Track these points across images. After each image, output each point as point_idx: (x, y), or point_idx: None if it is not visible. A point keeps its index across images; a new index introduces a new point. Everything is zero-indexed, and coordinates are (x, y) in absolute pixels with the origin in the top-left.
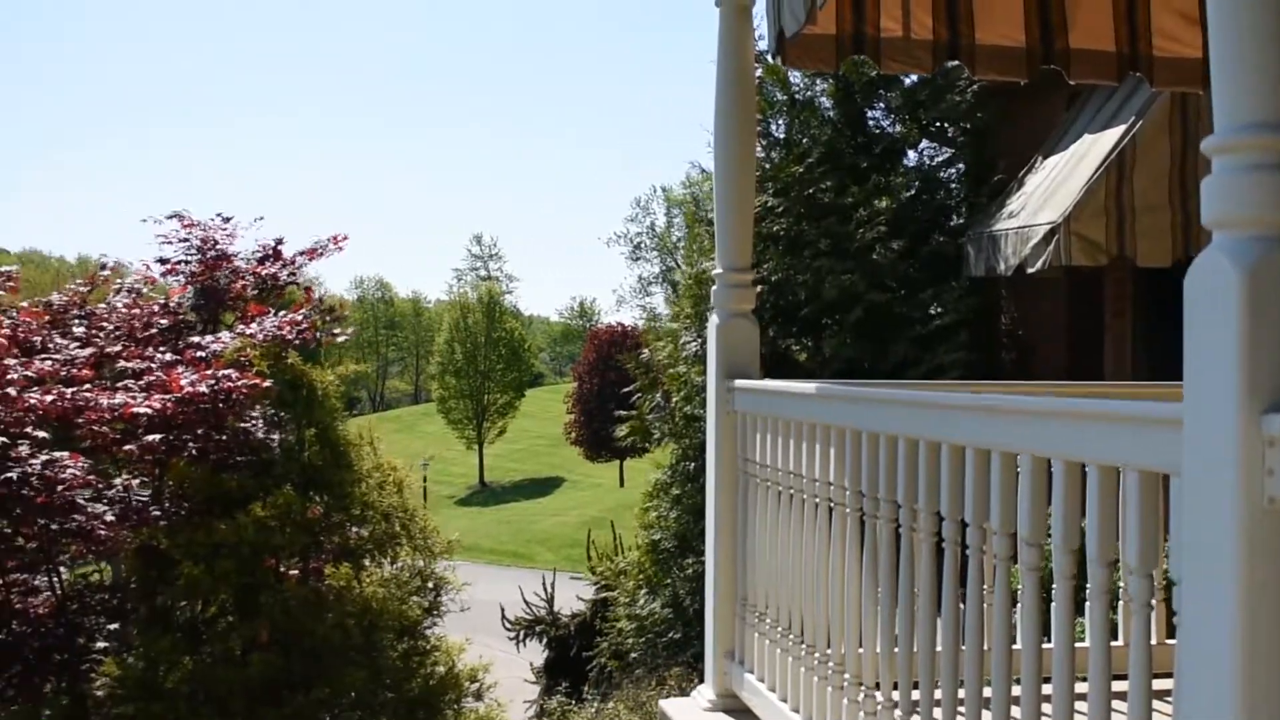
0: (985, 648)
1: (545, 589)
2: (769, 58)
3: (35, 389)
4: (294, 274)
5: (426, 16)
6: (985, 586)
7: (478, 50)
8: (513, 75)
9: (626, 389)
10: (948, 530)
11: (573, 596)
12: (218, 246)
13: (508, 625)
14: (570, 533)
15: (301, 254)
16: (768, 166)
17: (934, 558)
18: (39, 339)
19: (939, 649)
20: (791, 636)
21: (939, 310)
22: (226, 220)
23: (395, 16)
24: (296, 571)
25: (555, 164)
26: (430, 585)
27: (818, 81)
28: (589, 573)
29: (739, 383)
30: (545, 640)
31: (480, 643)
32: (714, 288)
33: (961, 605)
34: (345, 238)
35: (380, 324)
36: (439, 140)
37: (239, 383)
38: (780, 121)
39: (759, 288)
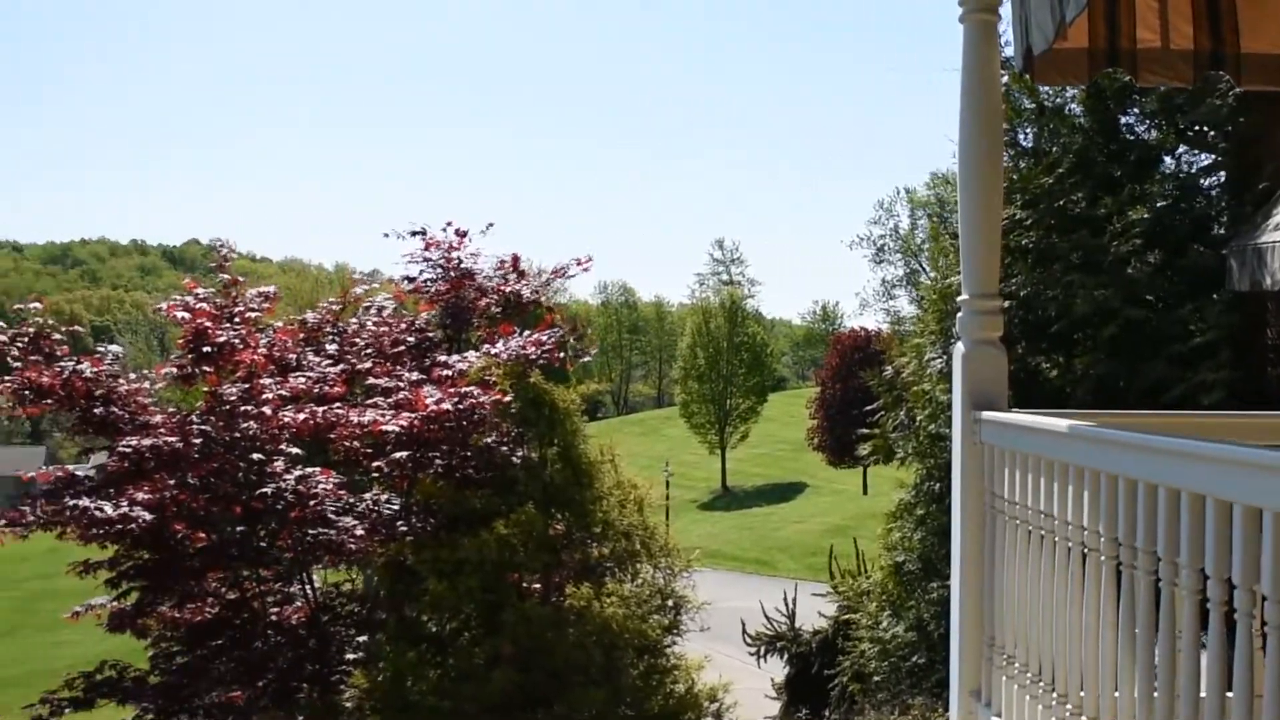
0: None
1: (786, 603)
2: (1017, 73)
3: (289, 406)
4: (537, 291)
5: (658, 22)
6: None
7: (711, 54)
8: (751, 78)
9: (869, 407)
10: (1213, 591)
11: (814, 609)
12: (461, 265)
13: (748, 640)
14: (812, 540)
15: (552, 274)
16: (1015, 177)
17: (1197, 616)
18: (294, 356)
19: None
20: (1042, 684)
21: (1199, 327)
22: (461, 234)
23: (617, 21)
24: (539, 587)
25: (797, 166)
26: (670, 604)
27: (1067, 87)
28: (832, 589)
29: (986, 415)
30: (786, 656)
31: (720, 652)
32: (959, 315)
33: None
34: (590, 259)
35: (624, 328)
36: (679, 145)
37: (483, 400)
38: (1028, 130)
39: (1006, 303)
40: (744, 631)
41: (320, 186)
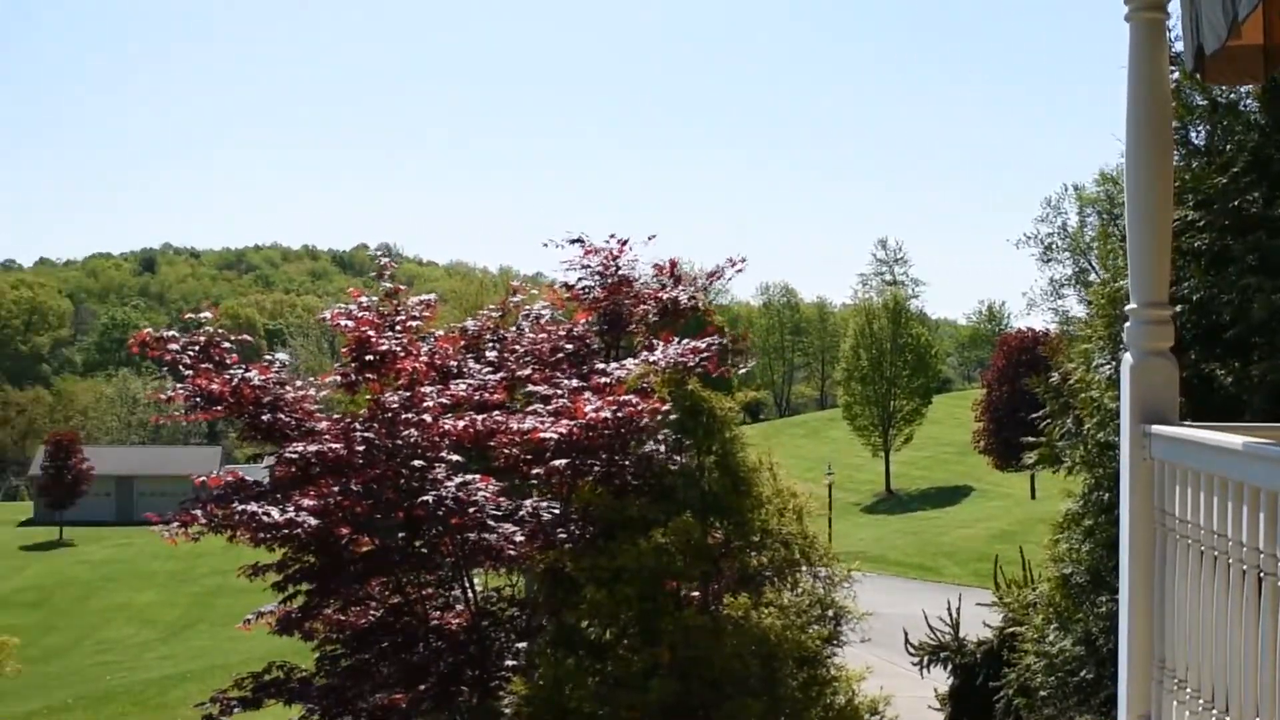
0: None
1: (950, 612)
2: (1188, 72)
3: (450, 414)
4: (694, 296)
5: (812, 19)
6: None
7: (868, 52)
8: (914, 77)
9: (1034, 415)
10: None
11: (979, 617)
12: (619, 272)
13: (911, 650)
14: (978, 546)
15: (708, 278)
16: (1187, 177)
17: None
18: (455, 363)
19: None
20: (1215, 711)
21: None
22: (623, 244)
23: (781, 18)
24: (696, 595)
25: (961, 164)
26: (830, 614)
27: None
28: (998, 600)
29: (1155, 429)
30: (950, 667)
31: (883, 659)
32: (1127, 324)
33: None
34: (743, 260)
35: (786, 329)
36: (843, 146)
37: (640, 409)
38: (1200, 128)
39: (1177, 308)
40: (906, 640)
41: (486, 190)
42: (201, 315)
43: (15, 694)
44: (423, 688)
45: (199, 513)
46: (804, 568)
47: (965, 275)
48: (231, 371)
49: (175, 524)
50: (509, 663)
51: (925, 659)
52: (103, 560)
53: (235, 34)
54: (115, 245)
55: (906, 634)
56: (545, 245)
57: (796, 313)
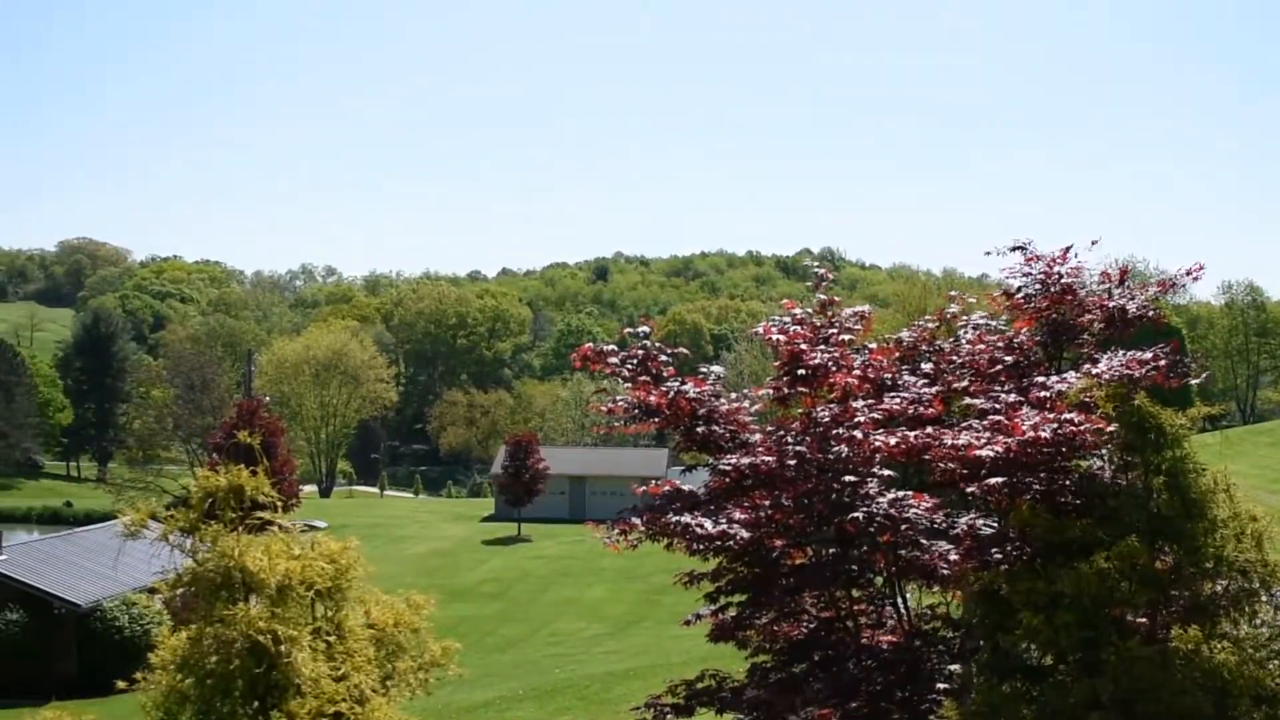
0: None
1: None
2: None
3: (881, 429)
4: (1144, 305)
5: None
6: None
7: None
8: None
9: None
10: None
11: None
12: (1061, 280)
13: None
14: None
15: (1158, 287)
16: None
17: None
18: (889, 376)
19: None
20: None
21: None
22: (1065, 250)
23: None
24: (1143, 624)
25: None
26: None
27: None
28: None
29: None
30: None
31: None
32: None
33: None
34: (1200, 267)
35: (1250, 331)
36: None
37: (1081, 427)
38: None
39: None
40: None
41: (928, 192)
42: (641, 329)
43: (475, 681)
44: (853, 705)
45: (638, 521)
46: (1263, 598)
47: None
48: (668, 384)
49: (616, 531)
50: (940, 685)
51: None
52: (556, 556)
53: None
54: (571, 255)
55: None
56: (988, 254)
57: (1263, 313)
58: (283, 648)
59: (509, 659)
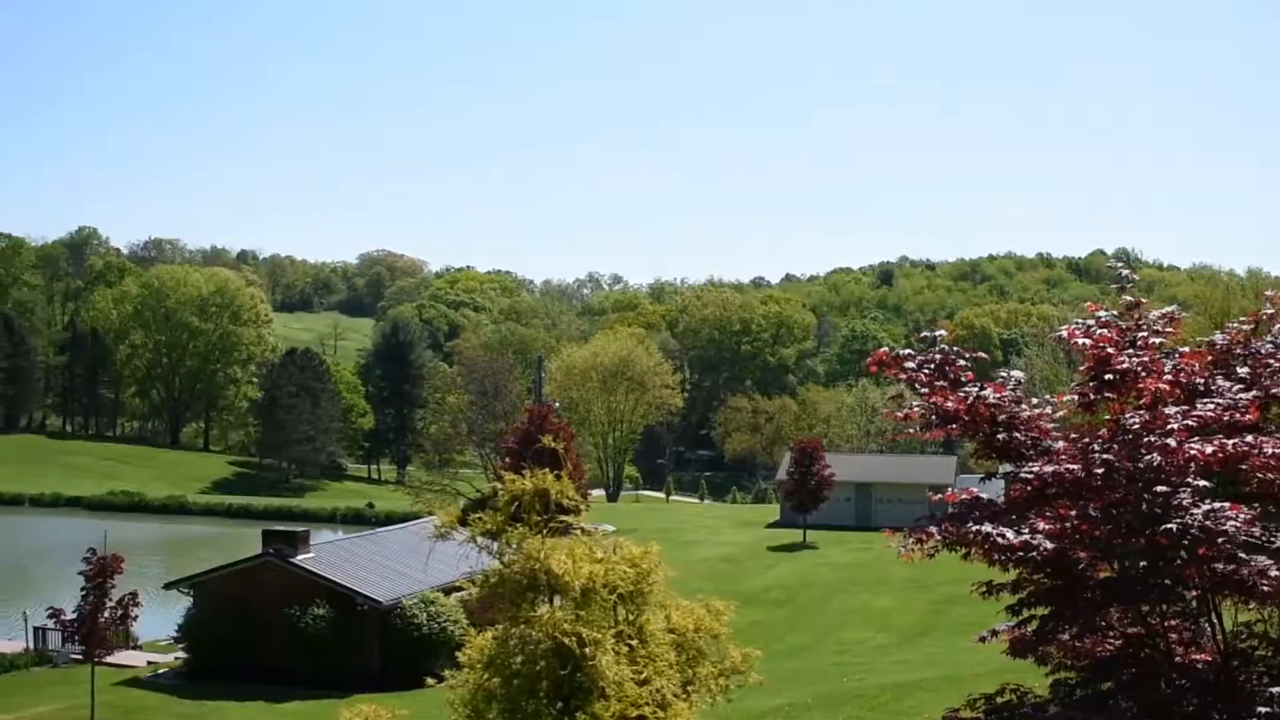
0: None
1: None
2: None
3: (1195, 437)
4: None
5: None
6: None
7: None
8: None
9: None
10: None
11: None
12: None
13: None
14: None
15: None
16: None
17: None
18: (1201, 381)
19: None
20: None
21: None
22: None
23: None
24: None
25: None
26: None
27: None
28: None
29: None
30: None
31: None
32: None
33: None
34: None
35: None
36: None
37: None
38: None
39: None
40: None
41: (1231, 188)
42: (938, 333)
43: (760, 688)
44: None
45: (934, 529)
46: None
47: None
48: (967, 389)
49: (911, 539)
50: (1261, 709)
51: None
52: (843, 563)
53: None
54: (855, 260)
55: None
56: None
57: None
58: (587, 650)
59: (795, 666)
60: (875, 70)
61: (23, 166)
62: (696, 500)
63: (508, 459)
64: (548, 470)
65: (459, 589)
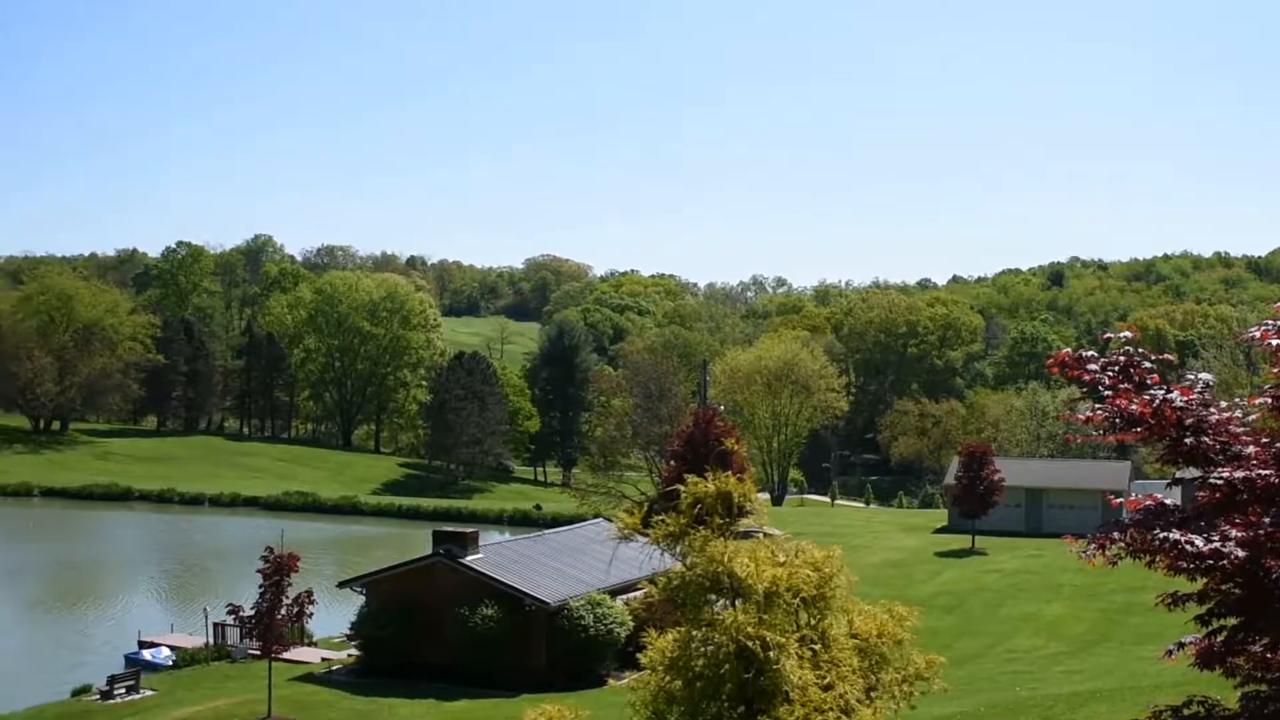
0: None
1: None
2: None
3: None
4: None
5: None
6: None
7: None
8: None
9: None
10: None
11: None
12: None
13: None
14: None
15: None
16: None
17: None
18: None
19: None
20: None
21: None
22: None
23: None
24: None
25: None
26: None
27: None
28: None
29: None
30: None
31: None
32: None
33: None
34: None
35: None
36: None
37: None
38: None
39: None
40: None
41: None
42: (1121, 335)
43: (932, 695)
44: None
45: (1117, 535)
46: None
47: None
48: (1152, 392)
49: (1093, 545)
50: None
51: None
52: (1013, 570)
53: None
54: (1023, 260)
55: None
56: None
57: None
58: (771, 654)
59: (965, 674)
60: (1045, 67)
61: (202, 176)
62: (862, 505)
63: (673, 462)
64: (729, 474)
65: (625, 591)
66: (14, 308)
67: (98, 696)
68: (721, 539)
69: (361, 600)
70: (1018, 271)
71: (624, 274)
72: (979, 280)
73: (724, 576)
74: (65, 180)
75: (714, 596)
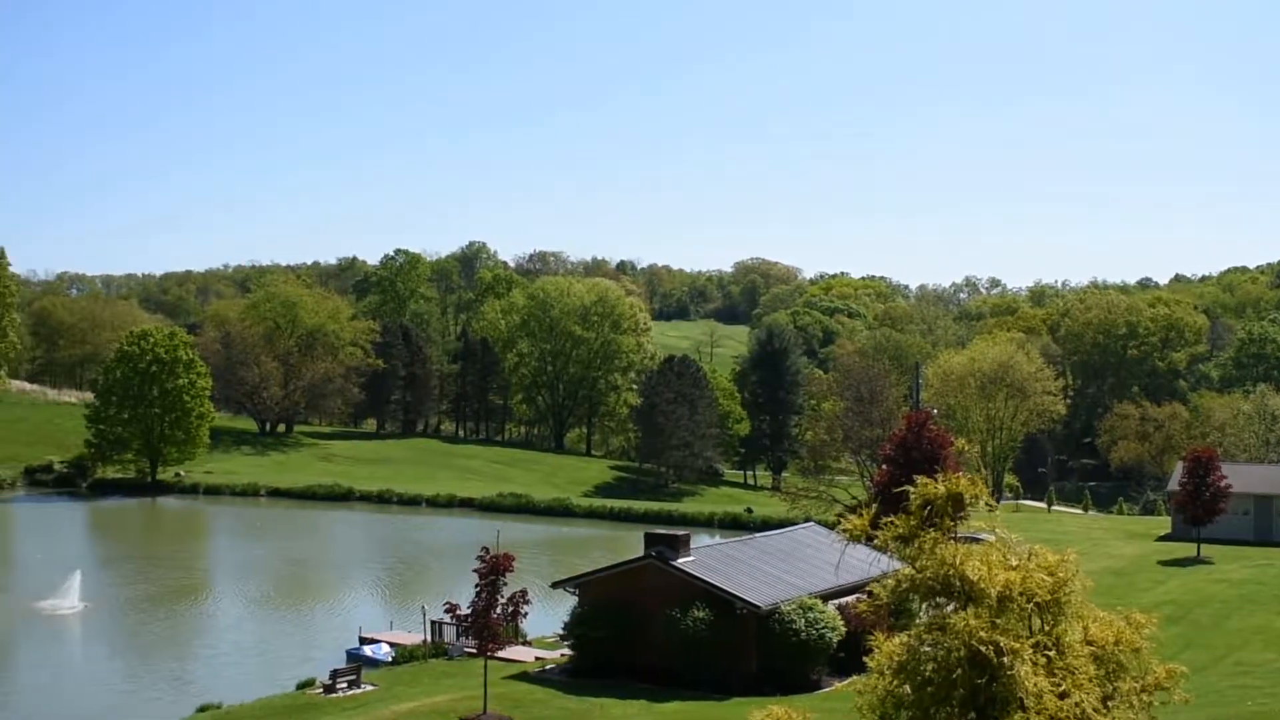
0: None
1: None
2: None
3: None
4: None
5: None
6: None
7: None
8: None
9: None
10: None
11: None
12: None
13: None
14: None
15: None
16: None
17: None
18: None
19: None
20: None
21: None
22: None
23: None
24: None
25: None
26: None
27: None
28: None
29: None
30: None
31: None
32: None
33: None
34: None
35: None
36: None
37: None
38: None
39: None
40: None
41: None
42: None
43: (1168, 708)
44: None
45: None
46: None
47: None
48: None
49: None
50: None
51: None
52: (1241, 580)
53: None
54: (1250, 259)
55: None
56: None
57: None
58: (1004, 659)
59: (1192, 686)
60: (1255, 55)
61: (419, 186)
62: (1080, 511)
63: (884, 466)
64: (961, 476)
65: (837, 595)
66: (242, 315)
67: (321, 690)
68: (953, 541)
69: (574, 601)
70: (1244, 269)
71: (834, 276)
72: (1203, 279)
73: (955, 580)
74: (290, 192)
75: (943, 600)
